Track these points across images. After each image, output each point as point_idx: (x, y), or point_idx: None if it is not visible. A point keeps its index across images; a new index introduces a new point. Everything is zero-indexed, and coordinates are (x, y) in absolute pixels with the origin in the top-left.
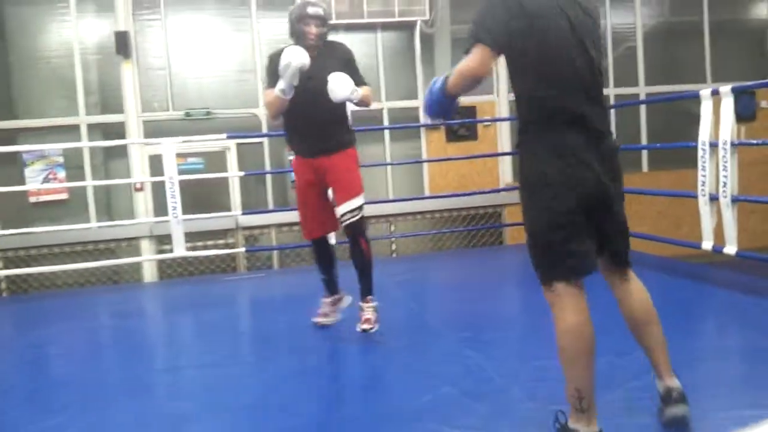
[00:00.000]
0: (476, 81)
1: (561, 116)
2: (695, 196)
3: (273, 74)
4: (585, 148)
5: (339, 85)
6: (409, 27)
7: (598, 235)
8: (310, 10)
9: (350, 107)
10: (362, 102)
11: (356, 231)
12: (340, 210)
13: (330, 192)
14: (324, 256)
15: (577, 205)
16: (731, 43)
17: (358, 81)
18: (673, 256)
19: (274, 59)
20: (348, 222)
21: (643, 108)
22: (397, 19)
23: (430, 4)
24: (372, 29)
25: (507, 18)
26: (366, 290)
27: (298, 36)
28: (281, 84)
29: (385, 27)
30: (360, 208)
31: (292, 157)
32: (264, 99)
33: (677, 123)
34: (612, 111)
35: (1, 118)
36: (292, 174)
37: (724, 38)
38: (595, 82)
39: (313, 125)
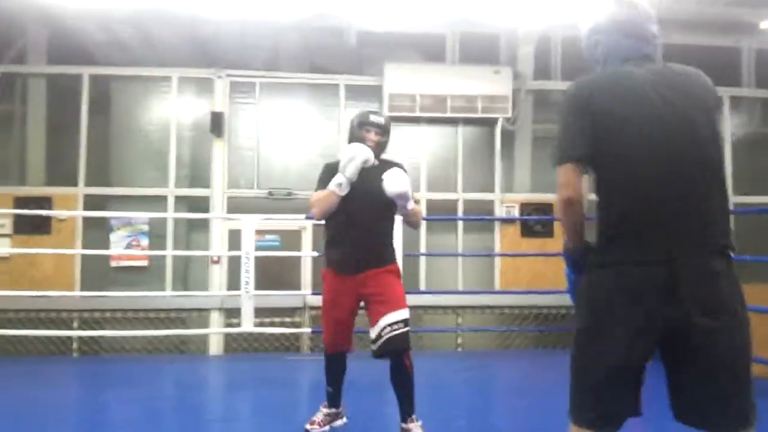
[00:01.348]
0: (574, 208)
1: None
2: None
3: (325, 181)
4: None
5: (396, 181)
6: (490, 123)
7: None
8: (373, 117)
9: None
10: (412, 216)
11: (399, 345)
12: (383, 322)
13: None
14: (340, 371)
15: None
16: None
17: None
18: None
19: (330, 167)
20: (391, 335)
21: (732, 219)
22: (479, 115)
23: (513, 102)
24: (454, 123)
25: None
26: (410, 409)
27: (357, 141)
28: (340, 177)
29: (467, 122)
30: (405, 322)
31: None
32: (312, 198)
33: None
34: None
35: (94, 185)
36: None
37: None
38: None
39: (361, 236)
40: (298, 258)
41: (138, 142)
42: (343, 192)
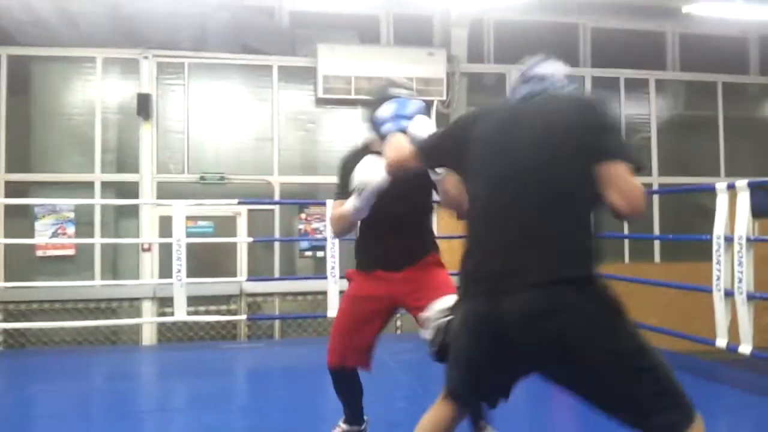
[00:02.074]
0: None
1: None
2: (709, 290)
3: (345, 182)
4: None
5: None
6: (425, 106)
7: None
8: (394, 90)
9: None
10: (449, 193)
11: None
12: (435, 307)
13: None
14: (350, 390)
15: None
16: (745, 139)
17: None
18: (685, 351)
19: (348, 165)
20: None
21: (656, 198)
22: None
23: (447, 85)
24: None
25: None
26: None
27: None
28: (356, 202)
29: None
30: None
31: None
32: (331, 210)
33: (689, 215)
34: None
35: (16, 171)
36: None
37: (738, 134)
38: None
39: (392, 233)
40: (234, 244)
41: (61, 125)
42: (363, 215)
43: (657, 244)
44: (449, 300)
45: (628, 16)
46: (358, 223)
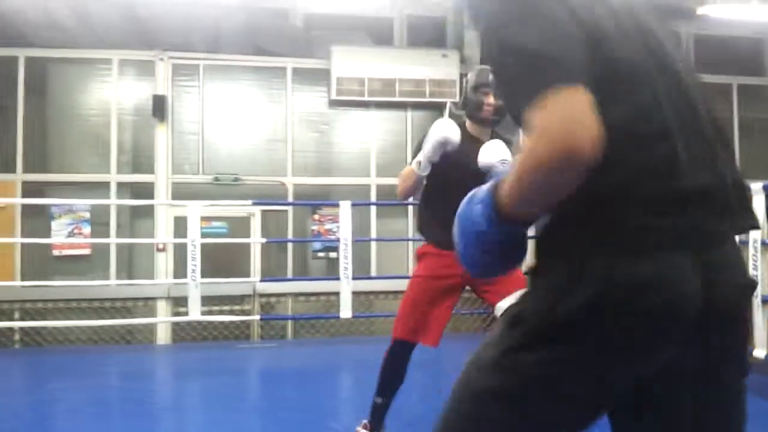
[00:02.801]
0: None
1: None
2: None
3: (415, 154)
4: None
5: (488, 150)
6: (438, 107)
7: None
8: (484, 74)
9: None
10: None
11: None
12: (502, 304)
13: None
14: (400, 370)
15: None
16: (761, 141)
17: None
18: None
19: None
20: None
21: None
22: (427, 99)
23: (460, 87)
24: (402, 107)
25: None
26: None
27: (472, 107)
28: (419, 156)
29: (416, 106)
30: None
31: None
32: (400, 174)
33: None
34: None
35: (33, 171)
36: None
37: (754, 136)
38: None
39: None
40: (247, 245)
41: (78, 126)
42: (424, 172)
43: None
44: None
45: None
46: (435, 200)
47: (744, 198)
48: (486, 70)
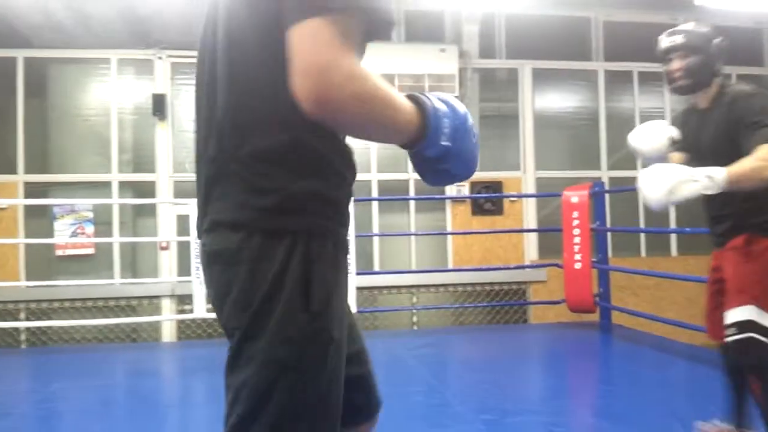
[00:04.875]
0: None
1: None
2: None
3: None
4: None
5: (649, 185)
6: None
7: None
8: (664, 42)
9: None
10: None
11: (741, 358)
12: (726, 320)
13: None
14: (732, 373)
15: None
16: None
17: (750, 142)
18: (703, 344)
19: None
20: (729, 339)
21: None
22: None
23: (460, 81)
24: None
25: None
26: None
27: (666, 81)
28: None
29: None
30: (751, 324)
31: None
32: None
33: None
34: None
35: (35, 172)
36: None
37: None
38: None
39: (709, 204)
40: None
41: (78, 126)
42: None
43: (674, 237)
44: (740, 312)
45: (641, 8)
46: None
47: None
48: (663, 38)
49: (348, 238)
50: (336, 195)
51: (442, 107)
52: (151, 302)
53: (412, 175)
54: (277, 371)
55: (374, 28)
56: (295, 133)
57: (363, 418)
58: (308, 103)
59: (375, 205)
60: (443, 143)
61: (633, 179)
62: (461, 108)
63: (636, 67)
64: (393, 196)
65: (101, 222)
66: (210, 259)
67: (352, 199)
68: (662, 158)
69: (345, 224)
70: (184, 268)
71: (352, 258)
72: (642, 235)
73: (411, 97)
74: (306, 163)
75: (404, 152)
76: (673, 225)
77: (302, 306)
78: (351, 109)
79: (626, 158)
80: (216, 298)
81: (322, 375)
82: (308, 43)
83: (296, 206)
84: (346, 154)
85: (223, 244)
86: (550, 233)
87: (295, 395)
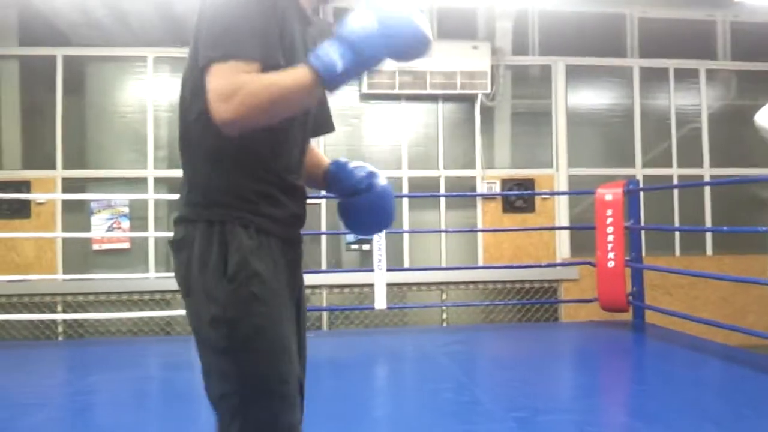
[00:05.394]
0: None
1: None
2: (764, 283)
3: None
4: None
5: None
6: (469, 99)
7: None
8: None
9: None
10: None
11: None
12: None
13: None
14: None
15: None
16: None
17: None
18: (739, 345)
19: None
20: None
21: (707, 190)
22: (458, 91)
23: (492, 78)
24: (434, 100)
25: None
26: None
27: None
28: None
29: (447, 98)
30: None
31: None
32: None
33: (743, 207)
34: (675, 191)
35: (72, 167)
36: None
37: None
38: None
39: None
40: None
41: (115, 123)
42: None
43: (709, 236)
44: None
45: (677, 4)
46: None
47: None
48: None
49: (289, 224)
50: (257, 189)
51: (330, 42)
52: None
53: (443, 172)
54: (210, 324)
55: (268, 58)
56: (218, 142)
57: None
58: (221, 126)
59: (405, 201)
60: (340, 61)
61: (668, 177)
62: (366, 15)
63: (672, 63)
64: (424, 192)
65: (137, 217)
66: (170, 249)
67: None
68: None
69: (271, 213)
70: None
71: (382, 255)
72: (677, 234)
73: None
74: (225, 163)
75: (434, 149)
76: (708, 224)
77: (222, 275)
78: (253, 119)
79: (661, 156)
80: (176, 279)
81: (247, 324)
82: (212, 82)
83: (217, 200)
84: (272, 151)
85: (176, 236)
86: (583, 231)
87: (226, 340)
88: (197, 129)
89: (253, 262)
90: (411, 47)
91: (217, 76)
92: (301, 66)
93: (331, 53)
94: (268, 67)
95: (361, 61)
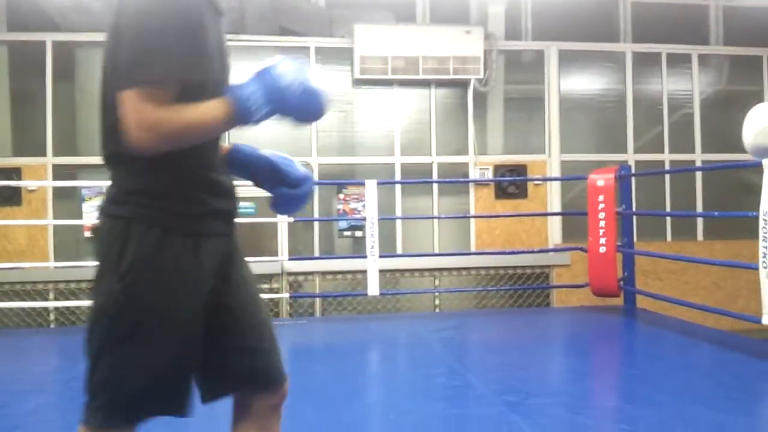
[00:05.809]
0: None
1: None
2: (755, 268)
3: None
4: None
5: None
6: (462, 84)
7: None
8: None
9: None
10: None
11: None
12: None
13: None
14: None
15: None
16: None
17: None
18: (729, 329)
19: None
20: None
21: (699, 176)
22: (451, 77)
23: (485, 64)
24: (426, 85)
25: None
26: None
27: None
28: None
29: (440, 84)
30: None
31: None
32: None
33: (733, 192)
34: (667, 177)
35: (63, 154)
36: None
37: None
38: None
39: None
40: (274, 224)
41: None
42: None
43: (700, 222)
44: None
45: None
46: None
47: None
48: None
49: (208, 221)
50: (166, 190)
51: (253, 86)
52: None
53: (435, 158)
54: (100, 314)
55: (189, 78)
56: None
57: (258, 388)
58: (135, 149)
59: (398, 188)
60: (257, 109)
61: (660, 163)
62: (289, 72)
63: (665, 48)
64: (416, 179)
65: None
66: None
67: (376, 182)
68: None
69: (185, 211)
70: None
71: (375, 242)
72: (668, 220)
73: (229, 90)
74: (139, 163)
75: (427, 135)
76: (700, 209)
77: (115, 271)
78: (166, 144)
79: (653, 141)
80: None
81: (128, 317)
82: (126, 107)
83: (126, 198)
84: (184, 152)
85: (95, 225)
86: (574, 217)
87: (110, 329)
88: (116, 131)
89: (148, 262)
90: (311, 118)
91: (136, 106)
92: (221, 102)
93: (252, 100)
94: (189, 83)
95: (269, 112)
